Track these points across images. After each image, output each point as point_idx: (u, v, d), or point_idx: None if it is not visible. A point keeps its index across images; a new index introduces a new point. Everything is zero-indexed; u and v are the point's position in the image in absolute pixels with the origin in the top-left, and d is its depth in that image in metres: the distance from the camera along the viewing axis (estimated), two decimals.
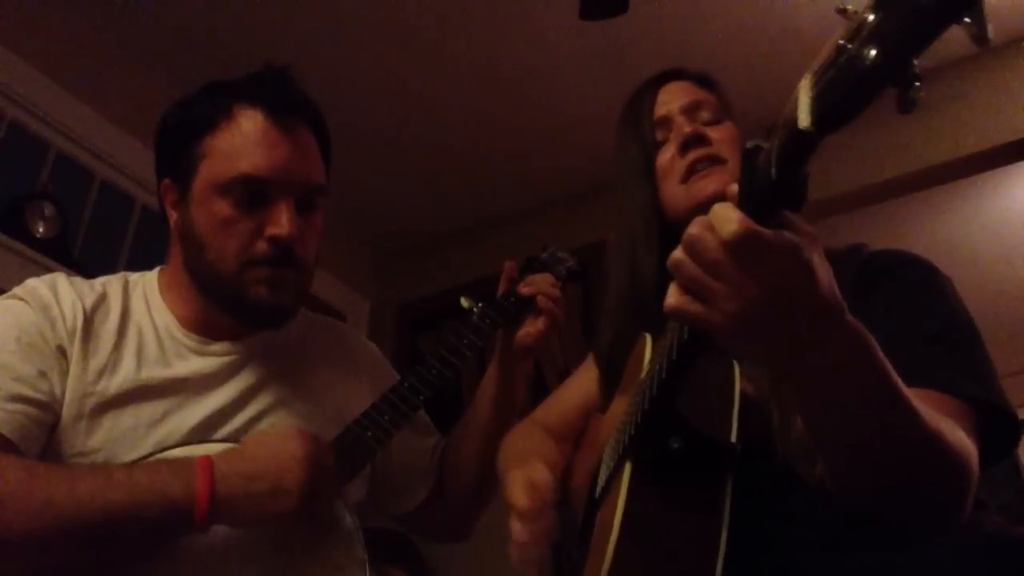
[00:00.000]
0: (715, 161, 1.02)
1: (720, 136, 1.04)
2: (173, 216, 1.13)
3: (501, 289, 1.26)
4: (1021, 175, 3.18)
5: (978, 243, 3.55)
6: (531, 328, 1.21)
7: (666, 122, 1.07)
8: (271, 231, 1.06)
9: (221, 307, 1.11)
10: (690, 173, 1.02)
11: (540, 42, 2.63)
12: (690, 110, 1.07)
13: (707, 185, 1.00)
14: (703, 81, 1.13)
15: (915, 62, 0.42)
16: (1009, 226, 3.49)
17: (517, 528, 0.98)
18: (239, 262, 1.06)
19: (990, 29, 0.39)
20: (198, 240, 1.08)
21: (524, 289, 1.23)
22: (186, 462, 0.94)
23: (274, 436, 0.99)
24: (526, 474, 1.01)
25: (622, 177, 1.11)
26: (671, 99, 1.09)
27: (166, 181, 1.14)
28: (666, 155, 1.05)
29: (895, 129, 2.59)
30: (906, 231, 3.32)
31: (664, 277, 0.64)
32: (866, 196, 2.74)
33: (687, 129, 1.04)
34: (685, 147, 1.03)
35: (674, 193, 1.04)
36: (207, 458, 0.94)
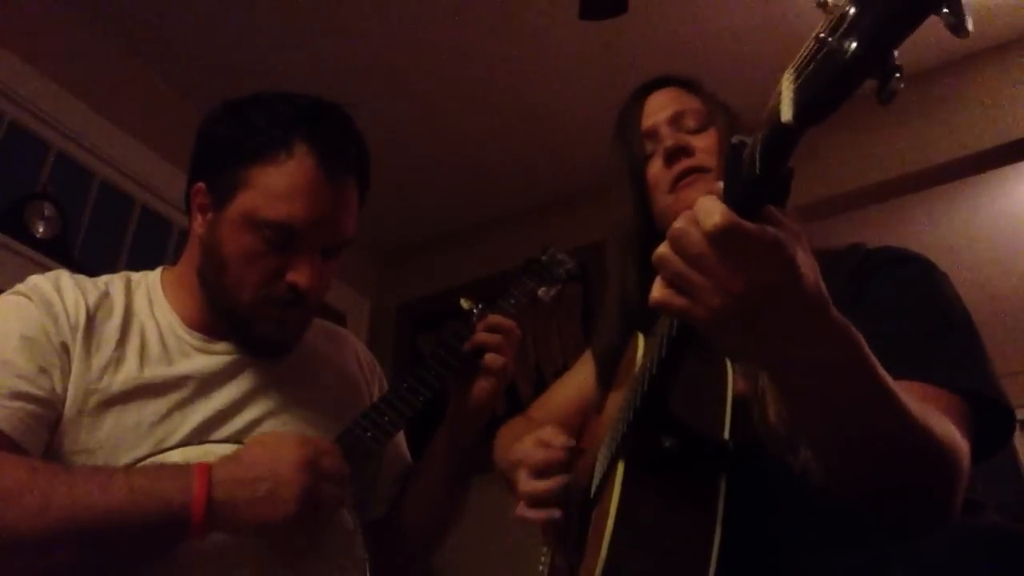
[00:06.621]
0: (699, 171, 1.04)
1: (704, 145, 1.06)
2: (198, 220, 1.12)
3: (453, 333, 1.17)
4: (1021, 175, 3.18)
5: (978, 243, 3.53)
6: (485, 383, 1.13)
7: (653, 134, 1.10)
8: (293, 278, 1.07)
9: (224, 325, 1.12)
10: (677, 183, 1.05)
11: (540, 42, 2.63)
12: (675, 120, 1.09)
13: (693, 194, 1.02)
14: (689, 86, 1.15)
15: (895, 53, 0.42)
16: (1009, 226, 3.49)
17: (527, 484, 0.96)
18: (255, 297, 1.08)
19: (969, 20, 0.38)
20: (220, 260, 1.08)
21: (478, 336, 1.14)
22: (185, 467, 0.93)
23: (272, 442, 0.97)
24: (538, 434, 1.00)
25: (613, 189, 1.14)
26: (656, 110, 1.11)
27: (201, 185, 1.11)
28: (655, 167, 1.08)
29: (895, 129, 2.59)
30: (906, 231, 3.31)
31: (649, 287, 0.64)
32: (866, 196, 2.73)
33: (670, 142, 1.06)
34: (670, 159, 1.06)
35: (665, 204, 1.06)
36: (205, 464, 0.93)
